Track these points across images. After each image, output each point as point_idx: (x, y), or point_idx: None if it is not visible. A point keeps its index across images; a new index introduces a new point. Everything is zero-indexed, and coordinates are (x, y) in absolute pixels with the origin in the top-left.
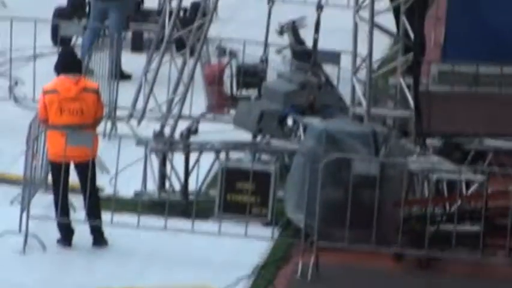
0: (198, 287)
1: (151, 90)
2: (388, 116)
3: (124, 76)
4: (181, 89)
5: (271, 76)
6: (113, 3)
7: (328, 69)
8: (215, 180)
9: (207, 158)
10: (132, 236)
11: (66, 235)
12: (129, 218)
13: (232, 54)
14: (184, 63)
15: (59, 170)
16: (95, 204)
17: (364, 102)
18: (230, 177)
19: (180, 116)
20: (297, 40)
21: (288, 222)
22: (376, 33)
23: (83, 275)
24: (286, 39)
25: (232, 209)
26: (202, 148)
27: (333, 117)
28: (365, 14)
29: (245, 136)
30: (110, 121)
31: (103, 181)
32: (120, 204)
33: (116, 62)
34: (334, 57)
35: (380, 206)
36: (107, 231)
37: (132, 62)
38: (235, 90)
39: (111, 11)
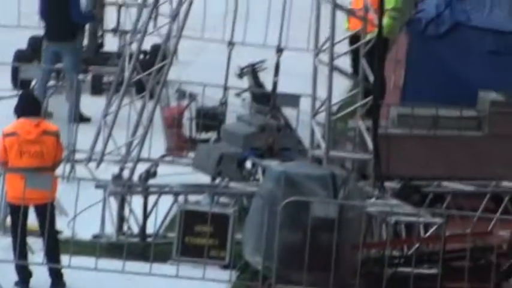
0: None
1: (110, 132)
2: (347, 159)
3: (83, 119)
4: (140, 131)
5: (230, 119)
6: (65, 45)
7: (288, 112)
8: (173, 223)
9: (166, 201)
10: (91, 278)
11: (24, 277)
12: (87, 261)
13: (192, 97)
14: (143, 106)
15: (17, 213)
16: (54, 247)
17: (323, 145)
18: (188, 219)
19: (139, 159)
20: (257, 83)
21: (246, 265)
22: (336, 76)
23: None
24: (245, 82)
25: (191, 251)
26: (160, 191)
27: (292, 159)
28: (324, 57)
29: (204, 179)
30: (68, 164)
31: (61, 224)
32: (79, 247)
33: (75, 105)
34: (293, 100)
35: (338, 249)
36: (65, 274)
37: (92, 104)
38: (195, 133)
39: (64, 53)
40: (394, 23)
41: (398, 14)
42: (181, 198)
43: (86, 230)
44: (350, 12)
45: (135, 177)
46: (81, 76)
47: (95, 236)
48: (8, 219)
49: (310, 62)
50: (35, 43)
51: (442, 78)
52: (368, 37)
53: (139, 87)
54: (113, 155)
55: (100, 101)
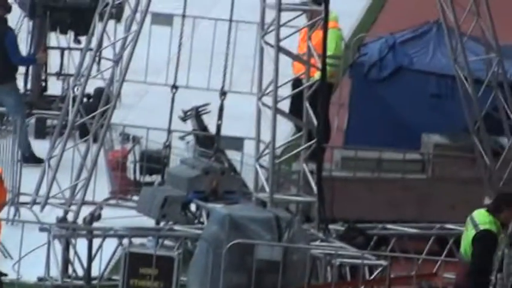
0: None
1: (54, 176)
2: (291, 202)
3: (36, 160)
4: (84, 174)
5: (174, 162)
6: (2, 88)
7: (232, 155)
8: (118, 266)
9: (111, 244)
10: None
11: None
12: None
13: (136, 140)
14: (87, 149)
15: None
16: None
17: (267, 188)
18: (133, 262)
19: (83, 202)
20: (200, 126)
21: None
22: (280, 119)
23: None
24: (189, 125)
25: None
26: (105, 234)
27: (236, 202)
28: (268, 100)
29: (149, 222)
30: (13, 207)
31: (6, 266)
32: None
33: (25, 146)
34: (237, 143)
35: None
36: None
37: (36, 148)
38: (139, 176)
39: (4, 95)
40: (332, 70)
41: (337, 61)
42: (125, 240)
43: (31, 273)
44: (293, 56)
45: (80, 220)
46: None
47: (40, 279)
48: None
49: (253, 105)
50: None
51: (386, 122)
52: (310, 80)
53: (83, 130)
54: (57, 198)
55: (44, 144)
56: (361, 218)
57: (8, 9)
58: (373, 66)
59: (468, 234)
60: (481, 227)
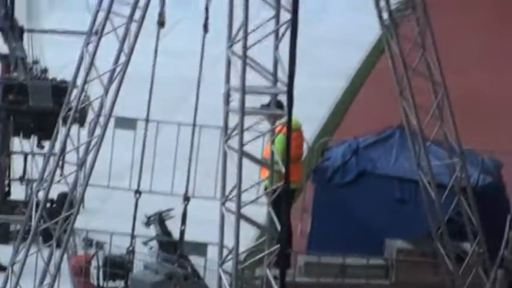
0: None
1: (17, 281)
2: None
3: (1, 268)
4: (47, 280)
5: (138, 267)
6: None
7: (195, 260)
8: None
9: None
10: None
11: None
12: None
13: (99, 246)
14: (50, 255)
15: None
16: None
17: None
18: None
19: None
20: (164, 231)
21: None
22: (243, 224)
23: None
24: (153, 230)
25: None
26: None
27: None
28: (232, 205)
29: None
30: None
31: None
32: None
33: None
34: (200, 249)
35: None
36: None
37: None
38: (102, 282)
39: None
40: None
41: None
42: None
43: None
44: (256, 161)
45: None
46: None
47: None
48: None
49: (217, 210)
50: None
51: (349, 226)
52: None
53: (46, 235)
54: None
55: (7, 250)
56: None
57: None
58: (337, 170)
59: None
60: None
